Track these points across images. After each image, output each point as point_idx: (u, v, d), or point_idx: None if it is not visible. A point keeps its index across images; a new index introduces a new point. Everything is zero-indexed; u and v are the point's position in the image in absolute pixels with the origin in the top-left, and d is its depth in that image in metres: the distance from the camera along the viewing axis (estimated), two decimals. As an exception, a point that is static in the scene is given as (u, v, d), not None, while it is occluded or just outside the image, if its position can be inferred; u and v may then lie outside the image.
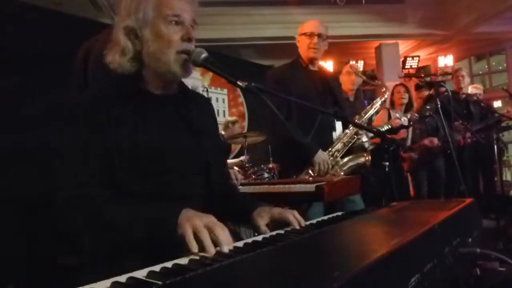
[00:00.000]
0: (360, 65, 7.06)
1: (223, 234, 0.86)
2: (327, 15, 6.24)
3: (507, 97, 4.56)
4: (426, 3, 6.90)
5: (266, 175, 3.63)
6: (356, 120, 2.57)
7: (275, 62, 7.33)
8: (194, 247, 0.83)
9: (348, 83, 3.55)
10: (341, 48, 7.20)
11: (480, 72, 8.91)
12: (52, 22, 3.77)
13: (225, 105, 6.27)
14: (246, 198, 1.37)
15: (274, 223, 1.16)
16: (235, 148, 5.69)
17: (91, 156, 1.04)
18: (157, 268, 0.73)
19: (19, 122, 3.15)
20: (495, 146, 4.08)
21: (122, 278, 0.68)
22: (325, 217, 1.27)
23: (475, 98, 4.41)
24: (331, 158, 2.36)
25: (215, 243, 0.85)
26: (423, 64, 8.11)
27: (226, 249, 0.84)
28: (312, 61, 2.50)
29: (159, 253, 0.83)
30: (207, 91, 4.88)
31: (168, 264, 0.75)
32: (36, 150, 2.74)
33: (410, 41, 7.78)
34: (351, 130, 2.45)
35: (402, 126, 3.62)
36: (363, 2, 6.21)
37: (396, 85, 4.17)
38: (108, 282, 0.67)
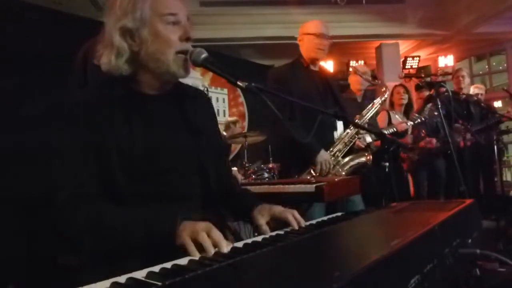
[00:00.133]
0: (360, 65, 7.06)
1: (220, 236, 0.86)
2: (328, 15, 6.23)
3: (508, 97, 4.55)
4: (426, 3, 6.89)
5: (266, 175, 3.63)
6: (356, 120, 2.57)
7: (275, 62, 7.33)
8: (196, 254, 0.84)
9: (356, 83, 3.55)
10: (342, 48, 7.20)
11: (481, 72, 8.90)
12: (52, 22, 3.77)
13: (225, 105, 6.27)
14: (247, 194, 1.36)
15: (275, 222, 1.16)
16: (235, 148, 5.69)
17: (89, 156, 1.03)
18: (156, 268, 0.72)
19: (19, 122, 3.15)
20: (495, 147, 4.08)
21: (122, 279, 0.68)
22: (325, 218, 1.27)
23: (475, 99, 4.40)
24: (332, 158, 2.36)
25: (214, 246, 0.85)
26: (424, 64, 8.10)
27: (225, 250, 0.84)
28: (314, 61, 2.51)
29: (159, 254, 0.83)
30: (207, 91, 4.89)
31: (168, 265, 0.75)
32: (35, 150, 2.73)
33: (410, 41, 7.77)
34: (352, 130, 2.45)
35: (408, 131, 3.64)
36: (364, 2, 6.21)
37: (396, 86, 4.17)
38: (107, 282, 0.67)
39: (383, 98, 2.75)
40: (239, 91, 6.24)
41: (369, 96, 3.66)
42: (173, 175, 1.13)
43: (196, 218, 0.95)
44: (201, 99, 1.35)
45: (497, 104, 7.70)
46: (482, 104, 4.41)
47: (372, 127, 2.71)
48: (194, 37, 1.17)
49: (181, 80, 1.23)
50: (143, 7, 1.10)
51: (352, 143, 2.45)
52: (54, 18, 3.85)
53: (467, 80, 4.42)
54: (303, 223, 1.13)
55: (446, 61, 7.39)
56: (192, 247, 0.85)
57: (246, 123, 6.36)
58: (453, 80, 4.57)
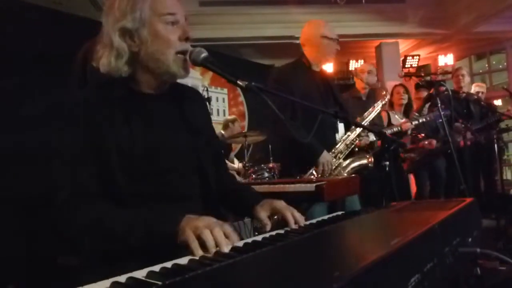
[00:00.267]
0: (360, 64, 7.06)
1: (222, 235, 0.86)
2: (327, 15, 6.23)
3: (507, 96, 4.56)
4: (426, 2, 6.89)
5: (266, 174, 3.63)
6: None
7: (276, 62, 7.34)
8: (198, 251, 0.84)
9: (361, 82, 3.55)
10: (341, 47, 7.10)
11: (481, 71, 8.90)
12: (52, 22, 3.77)
13: (225, 104, 6.28)
14: (247, 192, 1.35)
15: (275, 222, 1.16)
16: (235, 147, 5.69)
17: (89, 156, 1.03)
18: (156, 268, 0.72)
19: (19, 122, 3.15)
20: (495, 145, 4.08)
21: (122, 278, 0.68)
22: (325, 217, 1.27)
23: (475, 97, 4.41)
24: (334, 160, 2.37)
25: (216, 243, 0.85)
26: (423, 63, 8.10)
27: (226, 249, 0.84)
28: (323, 63, 2.52)
29: (159, 253, 0.83)
30: (207, 90, 4.89)
31: (168, 264, 0.75)
32: (35, 150, 2.73)
33: (410, 40, 7.77)
34: (353, 131, 2.46)
35: (412, 130, 3.64)
36: (363, 1, 6.20)
37: (396, 86, 4.17)
38: (107, 282, 0.67)
39: (383, 102, 2.77)
40: (239, 91, 6.24)
41: (371, 94, 3.65)
42: (173, 175, 1.13)
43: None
44: (197, 98, 1.36)
45: (497, 102, 7.68)
46: (482, 103, 4.41)
47: (372, 127, 2.71)
48: (194, 37, 1.17)
49: (181, 79, 1.23)
50: (142, 7, 1.09)
51: (353, 145, 2.46)
52: (54, 18, 3.85)
53: (467, 79, 4.42)
54: (303, 222, 1.13)
55: (446, 60, 7.38)
56: (195, 243, 0.85)
57: (246, 123, 6.37)
58: (453, 79, 4.57)
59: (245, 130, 5.77)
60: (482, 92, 4.67)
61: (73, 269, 1.01)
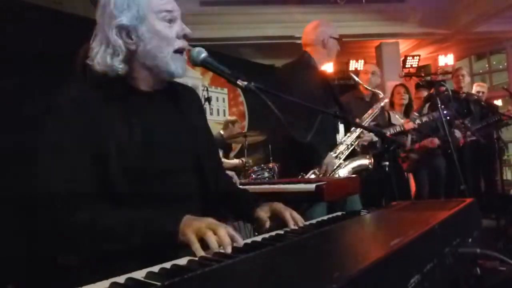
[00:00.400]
0: (361, 64, 7.05)
1: (226, 235, 0.86)
2: (328, 14, 6.23)
3: (508, 96, 4.56)
4: (426, 2, 6.88)
5: (266, 174, 3.64)
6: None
7: (276, 62, 7.34)
8: (200, 252, 0.83)
9: (365, 82, 3.54)
10: (341, 47, 7.15)
11: (481, 71, 8.90)
12: (52, 21, 3.77)
13: (225, 104, 6.27)
14: (247, 194, 1.35)
15: (273, 223, 1.16)
16: (235, 147, 5.69)
17: (85, 155, 1.01)
18: (155, 268, 0.72)
19: (19, 121, 3.15)
20: (496, 146, 4.07)
21: (121, 279, 0.68)
22: (325, 217, 1.27)
23: (476, 97, 4.41)
24: (336, 160, 2.38)
25: (220, 244, 0.85)
26: (424, 63, 8.10)
27: (229, 250, 0.84)
28: (322, 62, 2.53)
29: (158, 253, 0.83)
30: (207, 90, 4.89)
31: (167, 265, 0.75)
32: (33, 149, 2.73)
33: (410, 40, 7.77)
34: (353, 132, 2.46)
35: (415, 129, 3.63)
36: (363, 1, 6.21)
37: (396, 86, 4.17)
38: (107, 282, 0.67)
39: (382, 104, 2.78)
40: (239, 91, 6.23)
41: (374, 95, 3.66)
42: (172, 174, 1.12)
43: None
44: (193, 96, 1.34)
45: (497, 103, 7.67)
46: (483, 103, 4.41)
47: (372, 127, 2.71)
48: (194, 37, 1.16)
49: (181, 79, 1.22)
50: (139, 4, 1.08)
51: (353, 146, 2.46)
52: (54, 18, 3.85)
53: (467, 79, 4.42)
54: (301, 222, 1.13)
55: (446, 60, 7.37)
56: (196, 245, 0.84)
57: (246, 123, 6.37)
58: (453, 79, 4.57)
59: (245, 130, 5.77)
60: (483, 92, 4.67)
61: (72, 269, 1.00)
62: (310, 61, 2.48)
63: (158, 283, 0.62)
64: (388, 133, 3.41)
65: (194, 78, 5.58)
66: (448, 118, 3.41)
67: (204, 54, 1.14)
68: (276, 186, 1.97)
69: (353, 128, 2.49)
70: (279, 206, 1.17)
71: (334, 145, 2.44)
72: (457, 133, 3.99)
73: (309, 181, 1.82)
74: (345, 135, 2.49)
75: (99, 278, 0.68)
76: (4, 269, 2.60)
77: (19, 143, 2.99)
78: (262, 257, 0.74)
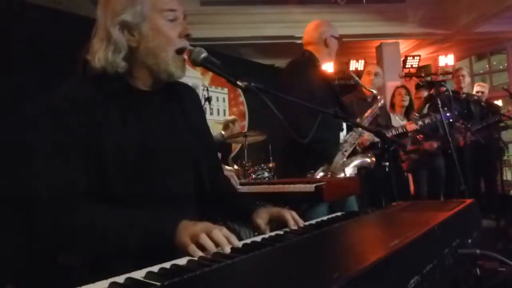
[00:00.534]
0: (361, 64, 7.05)
1: (221, 236, 0.86)
2: (328, 14, 6.22)
3: (508, 96, 4.55)
4: (427, 3, 6.88)
5: (266, 174, 3.64)
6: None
7: (276, 61, 7.34)
8: (196, 252, 0.83)
9: (368, 83, 3.54)
10: (342, 47, 7.09)
11: (481, 72, 8.89)
12: (53, 21, 3.77)
13: (225, 104, 6.27)
14: (245, 198, 1.35)
15: (274, 223, 1.16)
16: (235, 147, 5.69)
17: (79, 155, 0.99)
18: (155, 268, 0.72)
19: (19, 121, 3.14)
20: (496, 146, 4.08)
21: (120, 279, 0.68)
22: (325, 218, 1.27)
23: (476, 98, 4.40)
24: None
25: (216, 244, 0.85)
26: (424, 64, 8.08)
27: (227, 250, 0.84)
28: (324, 61, 2.53)
29: (157, 254, 0.83)
30: (207, 90, 4.89)
31: (167, 265, 0.74)
32: (30, 148, 2.72)
33: (410, 41, 7.76)
34: (356, 130, 2.47)
35: (417, 131, 3.64)
36: (364, 1, 6.20)
37: (397, 87, 4.16)
38: (106, 282, 0.67)
39: (379, 104, 2.79)
40: (239, 91, 6.17)
41: (376, 96, 3.65)
42: (169, 175, 1.11)
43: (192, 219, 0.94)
44: (192, 95, 1.33)
45: (497, 103, 7.68)
46: (483, 103, 4.41)
47: (372, 127, 2.71)
48: (194, 36, 1.16)
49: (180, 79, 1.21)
50: (143, 1, 1.07)
51: (354, 144, 2.47)
52: (54, 17, 3.85)
53: (467, 79, 4.42)
54: (301, 223, 1.13)
55: (447, 60, 7.35)
56: (191, 246, 0.84)
57: (246, 123, 6.36)
58: (453, 80, 4.56)
59: (245, 130, 5.77)
60: (482, 92, 4.66)
61: (71, 269, 1.00)
62: (313, 59, 2.48)
63: (158, 283, 0.62)
64: (389, 135, 3.42)
65: (194, 78, 5.58)
66: (450, 120, 3.42)
67: (204, 54, 1.14)
68: (275, 186, 1.97)
69: (358, 129, 2.50)
70: (277, 209, 1.16)
71: (338, 143, 2.45)
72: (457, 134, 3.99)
73: (309, 182, 1.82)
74: (347, 133, 2.50)
75: (99, 278, 0.68)
76: (3, 268, 2.60)
77: (18, 142, 3.00)
78: (261, 258, 0.74)
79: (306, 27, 2.60)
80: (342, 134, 2.56)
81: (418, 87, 4.54)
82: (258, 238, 0.96)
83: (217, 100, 6.08)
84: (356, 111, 3.33)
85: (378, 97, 2.85)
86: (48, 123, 1.04)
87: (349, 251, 0.77)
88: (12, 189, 2.89)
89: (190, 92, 1.33)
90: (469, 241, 1.01)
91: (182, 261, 0.78)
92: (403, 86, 4.14)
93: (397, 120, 3.91)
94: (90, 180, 0.99)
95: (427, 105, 4.03)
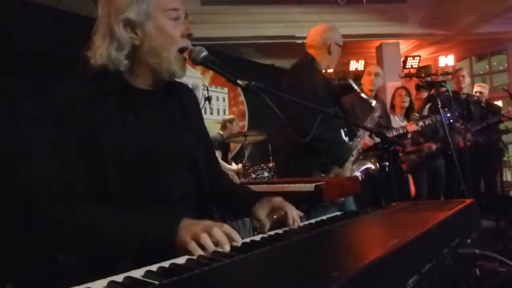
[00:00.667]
0: (361, 64, 7.04)
1: (221, 234, 0.86)
2: (328, 14, 6.23)
3: (508, 97, 4.55)
4: (427, 3, 6.88)
5: (266, 174, 3.64)
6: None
7: (276, 61, 7.34)
8: (197, 250, 0.83)
9: (368, 84, 3.54)
10: (342, 48, 7.17)
11: (481, 72, 8.89)
12: (53, 20, 3.77)
13: (225, 103, 6.27)
14: (246, 192, 1.34)
15: (276, 221, 1.15)
16: (235, 147, 5.69)
17: (77, 155, 0.98)
18: (154, 267, 0.72)
19: (19, 121, 3.15)
20: (496, 147, 4.08)
21: (119, 278, 0.68)
22: (324, 217, 1.27)
23: (476, 98, 4.40)
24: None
25: (216, 245, 0.85)
26: (424, 64, 8.09)
27: (227, 248, 0.84)
28: (325, 66, 2.55)
29: (156, 253, 0.83)
30: (207, 89, 4.89)
31: (166, 264, 0.75)
32: (28, 148, 2.72)
33: (411, 41, 7.76)
34: (362, 137, 2.49)
35: (417, 132, 3.64)
36: (364, 1, 6.20)
37: (398, 88, 4.15)
38: (105, 281, 0.67)
39: (377, 114, 2.82)
40: (239, 90, 6.23)
41: (377, 96, 3.66)
42: (169, 173, 1.11)
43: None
44: (191, 95, 1.33)
45: (498, 103, 7.69)
46: (483, 104, 4.41)
47: (372, 128, 2.72)
48: (195, 36, 1.16)
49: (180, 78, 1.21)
50: (149, 0, 1.07)
51: (359, 150, 2.50)
52: (55, 16, 3.84)
53: (467, 80, 4.42)
54: (298, 217, 1.13)
55: (447, 60, 7.35)
56: (192, 243, 0.84)
57: (246, 122, 6.36)
58: (453, 80, 4.56)
59: (245, 129, 5.77)
60: (481, 93, 4.66)
61: (70, 268, 1.00)
62: (314, 63, 2.48)
63: (156, 282, 0.62)
64: (389, 135, 3.42)
65: (195, 77, 5.58)
66: (451, 121, 3.42)
67: (204, 53, 1.14)
68: (275, 186, 1.97)
69: (360, 133, 2.51)
70: (279, 201, 1.16)
71: (342, 142, 2.48)
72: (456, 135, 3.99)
73: (309, 181, 1.82)
74: (349, 138, 2.52)
75: (97, 277, 0.68)
76: (2, 268, 2.60)
77: (17, 142, 3.00)
78: (260, 257, 0.74)
79: (312, 29, 2.59)
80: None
81: (418, 87, 4.55)
82: (257, 237, 0.96)
83: (217, 100, 6.08)
84: (357, 111, 3.34)
85: (373, 104, 2.86)
86: (47, 123, 1.03)
87: (348, 250, 0.77)
88: (12, 189, 2.89)
89: (189, 92, 1.33)
90: (469, 241, 1.01)
91: (181, 260, 0.78)
92: (403, 87, 4.14)
93: (397, 121, 3.91)
94: (90, 180, 0.99)
95: (427, 106, 4.03)
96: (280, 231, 1.06)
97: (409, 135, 3.78)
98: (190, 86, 1.33)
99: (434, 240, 0.82)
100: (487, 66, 8.69)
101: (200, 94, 4.95)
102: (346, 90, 3.71)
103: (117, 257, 0.92)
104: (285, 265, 0.68)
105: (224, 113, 6.05)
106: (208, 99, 4.87)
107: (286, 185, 1.88)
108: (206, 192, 1.21)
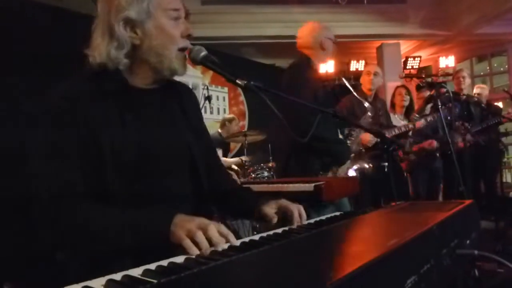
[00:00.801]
0: (361, 65, 7.04)
1: (217, 234, 0.86)
2: (329, 15, 6.23)
3: (508, 98, 4.56)
4: (428, 3, 6.89)
5: (265, 174, 3.64)
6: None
7: (276, 61, 7.34)
8: (194, 251, 0.83)
9: (367, 83, 3.54)
10: (342, 47, 7.17)
11: (482, 73, 8.90)
12: (53, 19, 3.76)
13: (225, 103, 6.27)
14: (249, 193, 1.34)
15: (280, 215, 1.16)
16: (235, 146, 5.69)
17: (76, 154, 0.98)
18: (152, 266, 0.72)
19: (18, 121, 3.15)
20: (496, 148, 4.08)
21: (118, 276, 0.68)
22: (323, 217, 1.27)
23: (476, 99, 4.40)
24: None
25: (210, 243, 0.85)
26: (425, 65, 8.08)
27: (220, 248, 0.84)
28: (320, 63, 2.54)
29: (155, 252, 0.83)
30: (207, 89, 4.89)
31: (164, 263, 0.74)
32: (29, 148, 2.72)
33: (411, 41, 7.77)
34: (357, 138, 2.50)
35: (417, 132, 3.65)
36: (365, 1, 6.21)
37: (397, 87, 4.15)
38: (103, 279, 0.67)
39: (368, 114, 2.83)
40: (239, 90, 6.23)
41: (377, 96, 3.66)
42: (168, 173, 1.11)
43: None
44: (190, 94, 1.32)
45: (498, 105, 7.69)
46: (483, 105, 4.41)
47: (372, 128, 2.72)
48: (195, 35, 1.16)
49: (181, 76, 1.19)
50: None
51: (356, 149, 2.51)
52: (55, 15, 3.84)
53: (467, 80, 4.41)
54: (304, 219, 1.14)
55: (447, 61, 7.35)
56: (187, 240, 0.84)
57: (246, 122, 6.37)
58: (453, 81, 4.56)
59: (245, 129, 5.77)
60: (479, 94, 4.65)
61: (68, 266, 1.00)
62: (310, 63, 2.49)
63: (154, 281, 0.62)
64: (393, 133, 3.42)
65: (195, 77, 5.58)
66: (449, 118, 3.42)
67: (203, 52, 1.14)
68: (275, 185, 1.97)
69: (356, 133, 2.51)
70: (286, 201, 1.17)
71: (340, 141, 2.49)
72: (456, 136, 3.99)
73: (308, 181, 1.82)
74: (344, 138, 2.52)
75: (96, 275, 0.68)
76: (0, 268, 2.60)
77: (17, 142, 3.00)
78: (259, 256, 0.74)
79: (299, 31, 2.58)
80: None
81: (418, 88, 4.54)
82: (256, 237, 0.96)
83: (217, 99, 6.09)
84: (356, 111, 3.34)
85: (365, 105, 2.86)
86: (46, 122, 1.03)
87: (347, 250, 0.77)
88: (11, 189, 2.89)
89: (189, 92, 1.32)
90: (468, 242, 1.01)
91: (180, 259, 0.78)
92: (403, 86, 4.13)
93: (397, 120, 3.91)
94: (89, 180, 0.99)
95: (428, 106, 4.03)
96: (279, 230, 1.06)
97: (410, 133, 3.78)
98: (190, 85, 1.34)
99: (433, 241, 0.82)
100: (488, 67, 8.70)
101: (200, 93, 4.96)
102: (346, 90, 3.71)
103: (116, 256, 0.92)
104: (284, 264, 0.68)
105: (224, 113, 6.05)
106: (208, 98, 4.87)
107: (286, 185, 1.88)
108: (205, 192, 1.20)
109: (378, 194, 2.94)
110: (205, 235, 0.85)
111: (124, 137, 1.02)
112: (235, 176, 3.38)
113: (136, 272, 0.70)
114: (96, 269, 0.73)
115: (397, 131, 3.46)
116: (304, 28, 2.57)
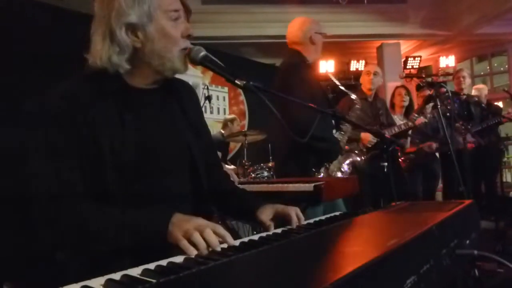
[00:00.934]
0: (361, 64, 7.05)
1: (213, 237, 0.85)
2: (329, 14, 6.24)
3: (508, 98, 4.56)
4: (428, 3, 6.89)
5: (265, 174, 3.63)
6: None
7: (276, 61, 7.33)
8: (192, 252, 0.82)
9: (367, 83, 3.54)
10: (343, 47, 7.20)
11: (482, 73, 8.90)
12: (53, 18, 3.76)
13: (225, 103, 6.27)
14: (247, 196, 1.33)
15: (277, 220, 1.15)
16: (235, 146, 5.69)
17: (74, 155, 0.98)
18: (151, 266, 0.72)
19: (18, 120, 3.14)
20: (496, 148, 4.08)
21: (117, 276, 0.68)
22: (323, 217, 1.27)
23: (476, 99, 4.40)
24: None
25: (208, 244, 0.84)
26: (425, 65, 8.09)
27: (220, 248, 0.83)
28: (314, 60, 2.53)
29: (154, 252, 0.83)
30: (207, 88, 4.89)
31: (163, 262, 0.74)
32: (27, 148, 2.72)
33: (412, 41, 7.77)
34: (347, 131, 2.48)
35: (417, 131, 3.64)
36: (365, 1, 6.21)
37: (397, 87, 4.15)
38: (102, 279, 0.67)
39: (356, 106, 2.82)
40: (239, 90, 6.21)
41: (377, 95, 3.65)
42: (169, 173, 1.11)
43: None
44: (190, 93, 1.31)
45: (498, 104, 7.69)
46: (483, 105, 4.41)
47: (371, 128, 2.71)
48: (195, 35, 1.15)
49: (181, 76, 1.20)
50: (150, 1, 1.05)
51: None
52: (55, 15, 3.84)
53: (468, 80, 4.41)
54: (303, 221, 1.13)
55: (447, 61, 7.36)
56: (184, 241, 0.84)
57: (246, 122, 6.36)
58: (454, 81, 4.56)
59: (246, 129, 5.77)
60: (478, 95, 4.65)
61: (68, 266, 1.00)
62: (303, 59, 2.47)
63: (154, 280, 0.62)
64: (393, 132, 3.42)
65: (195, 76, 5.57)
66: (448, 114, 3.41)
67: (203, 52, 1.13)
68: (274, 185, 1.97)
69: (345, 128, 2.49)
70: (282, 206, 1.16)
71: (336, 140, 2.47)
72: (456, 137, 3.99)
73: (308, 181, 1.82)
74: (337, 132, 2.50)
75: (95, 275, 0.68)
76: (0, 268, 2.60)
77: (17, 142, 3.00)
78: (258, 256, 0.74)
79: (289, 26, 2.56)
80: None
81: (418, 88, 4.54)
82: (255, 237, 0.96)
83: (218, 99, 6.08)
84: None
85: (353, 97, 2.84)
86: (46, 123, 1.03)
87: (346, 250, 0.77)
88: (11, 189, 2.89)
89: (188, 89, 1.31)
90: (467, 242, 1.01)
91: (179, 258, 0.78)
92: (403, 86, 4.13)
93: (397, 120, 3.91)
94: (89, 180, 0.99)
95: (430, 105, 4.02)
96: (278, 230, 1.06)
97: (410, 132, 3.77)
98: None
99: (433, 241, 0.81)
100: (488, 67, 8.70)
101: (201, 93, 4.95)
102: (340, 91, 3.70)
103: (116, 255, 0.92)
104: (283, 264, 0.68)
105: (225, 112, 6.05)
106: (209, 98, 4.87)
107: (285, 185, 1.88)
108: (205, 192, 1.20)
109: (378, 194, 2.94)
110: (202, 237, 0.85)
111: (124, 137, 1.02)
112: (234, 175, 3.38)
113: (135, 271, 0.70)
114: (95, 269, 0.73)
115: (397, 130, 3.45)
116: (293, 23, 2.54)
